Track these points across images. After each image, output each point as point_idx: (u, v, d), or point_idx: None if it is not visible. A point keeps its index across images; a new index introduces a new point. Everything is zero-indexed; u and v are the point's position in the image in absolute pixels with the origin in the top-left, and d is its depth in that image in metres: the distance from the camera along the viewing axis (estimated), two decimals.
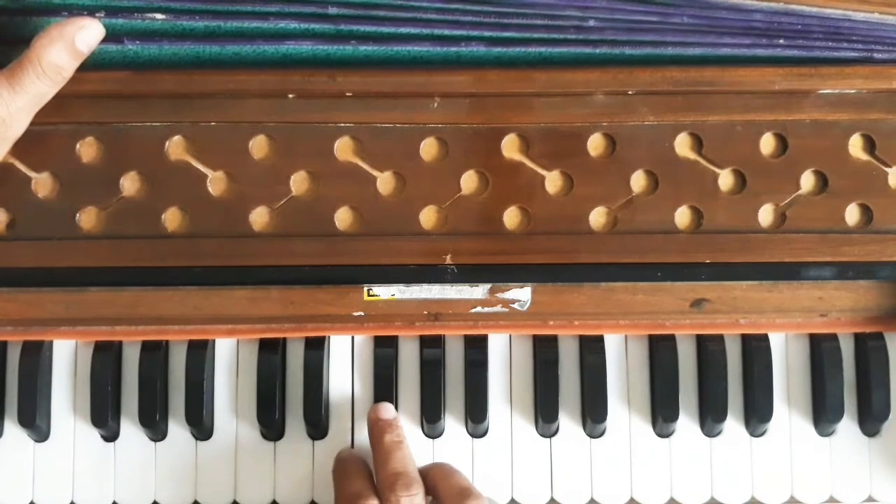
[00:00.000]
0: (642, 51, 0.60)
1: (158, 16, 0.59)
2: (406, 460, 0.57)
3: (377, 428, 0.59)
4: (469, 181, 0.60)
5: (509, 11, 0.60)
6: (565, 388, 0.63)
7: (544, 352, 0.63)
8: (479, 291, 0.62)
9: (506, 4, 0.60)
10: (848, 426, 0.63)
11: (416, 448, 0.62)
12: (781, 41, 0.60)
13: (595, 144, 0.60)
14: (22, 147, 0.58)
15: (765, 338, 0.63)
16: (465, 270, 0.59)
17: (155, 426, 0.62)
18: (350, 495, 0.55)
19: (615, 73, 0.59)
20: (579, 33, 0.60)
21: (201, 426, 0.62)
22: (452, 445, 0.63)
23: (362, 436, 0.63)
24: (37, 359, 0.62)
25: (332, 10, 0.59)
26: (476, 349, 0.63)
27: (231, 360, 0.63)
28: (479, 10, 0.60)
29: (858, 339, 0.63)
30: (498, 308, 0.63)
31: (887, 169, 0.60)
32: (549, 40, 0.60)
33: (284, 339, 0.63)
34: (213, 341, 0.63)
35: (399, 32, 0.59)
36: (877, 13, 0.61)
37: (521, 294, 0.62)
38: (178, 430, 0.63)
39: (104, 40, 0.57)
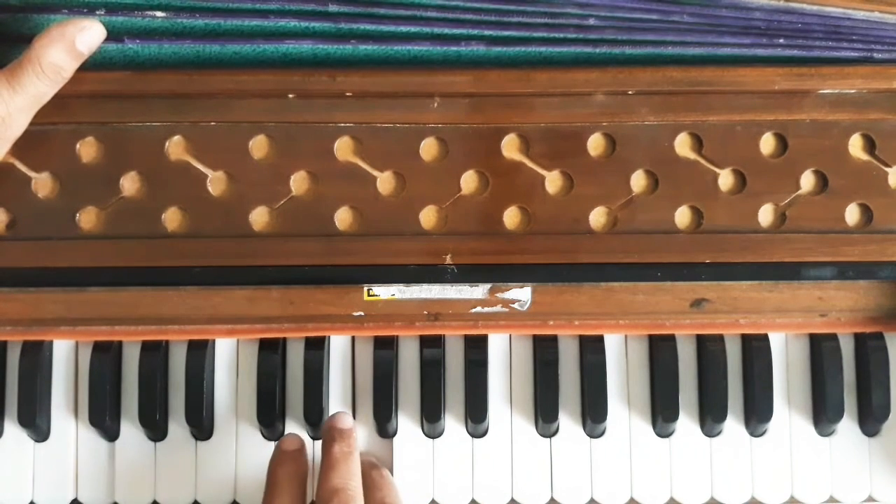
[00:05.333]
0: (642, 50, 0.60)
1: (158, 13, 0.59)
2: (349, 474, 0.55)
3: (329, 435, 0.58)
4: (469, 181, 0.60)
5: (510, 9, 0.60)
6: (565, 388, 0.63)
7: (544, 352, 0.63)
8: (479, 291, 0.62)
9: (506, 3, 0.60)
10: (848, 426, 0.63)
11: (416, 448, 0.62)
12: (781, 41, 0.60)
13: (595, 144, 0.60)
14: (22, 147, 0.58)
15: (765, 338, 0.63)
16: (465, 270, 0.59)
17: (155, 426, 0.62)
18: None
19: (615, 73, 0.59)
20: (579, 32, 0.60)
21: (201, 426, 0.62)
22: (452, 445, 0.63)
23: (362, 435, 0.63)
24: (37, 359, 0.62)
25: (333, 8, 0.59)
26: (476, 349, 0.63)
27: (231, 360, 0.63)
28: (479, 9, 0.60)
29: (858, 339, 0.63)
30: (498, 308, 0.63)
31: (887, 169, 0.60)
32: (550, 39, 0.60)
33: (284, 339, 0.63)
34: (213, 341, 0.63)
35: (399, 31, 0.59)
36: (877, 12, 0.61)
37: (521, 294, 0.62)
38: (178, 430, 0.63)
39: (104, 39, 0.57)
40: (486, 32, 0.60)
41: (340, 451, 0.56)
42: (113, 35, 0.57)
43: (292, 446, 0.59)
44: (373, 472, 0.59)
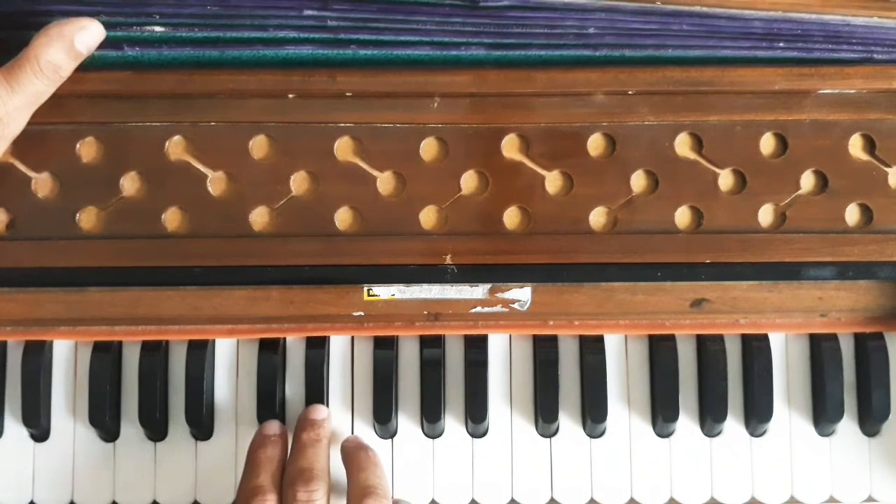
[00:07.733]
0: (642, 53, 0.60)
1: (157, 28, 0.58)
2: (315, 457, 0.57)
3: (299, 426, 0.60)
4: (469, 181, 0.60)
5: (510, 22, 0.59)
6: (565, 388, 0.63)
7: (544, 352, 0.63)
8: (479, 291, 0.62)
9: (506, 17, 0.60)
10: (848, 426, 0.63)
11: (416, 448, 0.62)
12: (781, 44, 0.60)
13: (595, 144, 0.60)
14: (22, 147, 0.58)
15: (765, 338, 0.63)
16: (465, 270, 0.59)
17: (155, 426, 0.62)
18: (250, 489, 0.56)
19: (615, 73, 0.59)
20: (579, 39, 0.60)
21: (201, 426, 0.62)
22: (452, 445, 0.63)
23: (362, 435, 0.63)
24: (37, 359, 0.62)
25: (332, 24, 0.59)
26: (476, 349, 0.63)
27: (231, 360, 0.63)
28: (479, 22, 0.59)
29: (858, 339, 0.63)
30: (498, 308, 0.63)
31: (887, 169, 0.60)
32: (549, 45, 0.60)
33: (284, 339, 0.63)
34: (213, 341, 0.63)
35: (399, 39, 0.59)
36: (876, 17, 0.61)
37: (521, 294, 0.62)
38: (178, 430, 0.63)
39: (104, 46, 0.57)
40: (486, 41, 0.60)
41: (308, 437, 0.59)
42: (112, 44, 0.57)
43: (272, 430, 0.60)
44: (360, 453, 0.59)
